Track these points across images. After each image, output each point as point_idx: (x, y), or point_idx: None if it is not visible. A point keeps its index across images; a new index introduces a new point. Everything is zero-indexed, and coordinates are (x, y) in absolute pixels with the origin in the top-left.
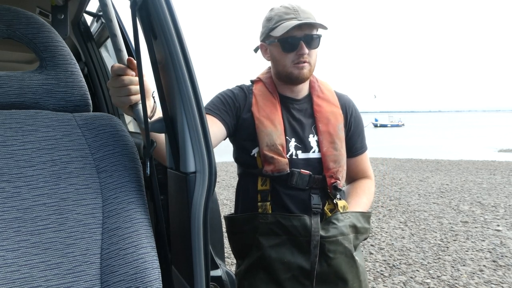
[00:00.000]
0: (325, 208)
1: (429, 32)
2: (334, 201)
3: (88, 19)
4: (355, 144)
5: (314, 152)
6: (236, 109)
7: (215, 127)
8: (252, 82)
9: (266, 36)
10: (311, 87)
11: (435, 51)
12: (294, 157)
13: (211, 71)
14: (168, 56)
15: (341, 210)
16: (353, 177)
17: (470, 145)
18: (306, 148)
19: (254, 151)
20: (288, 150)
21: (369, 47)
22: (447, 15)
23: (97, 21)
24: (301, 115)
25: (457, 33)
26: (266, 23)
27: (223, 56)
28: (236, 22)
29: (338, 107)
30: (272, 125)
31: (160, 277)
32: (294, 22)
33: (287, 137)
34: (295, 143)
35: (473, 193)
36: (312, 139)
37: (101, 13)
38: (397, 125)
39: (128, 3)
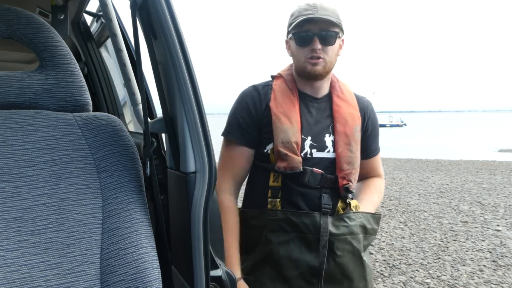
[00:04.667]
0: (338, 206)
1: (430, 31)
2: (347, 201)
3: (88, 19)
4: (370, 146)
5: (329, 152)
6: (255, 120)
7: (245, 157)
8: (273, 77)
9: (288, 31)
10: (331, 86)
11: (436, 50)
12: (308, 155)
13: (211, 71)
14: (168, 56)
15: (354, 210)
16: (365, 175)
17: (470, 145)
18: (321, 147)
19: (268, 148)
20: (303, 149)
21: (369, 47)
22: (447, 15)
23: (97, 21)
24: (319, 114)
25: (458, 33)
26: (289, 19)
27: (224, 56)
28: (237, 22)
29: (357, 109)
30: (288, 122)
31: (160, 277)
32: (307, 17)
33: (303, 136)
34: (311, 142)
35: (473, 193)
36: (328, 139)
37: (101, 13)
38: (397, 125)
39: (128, 3)
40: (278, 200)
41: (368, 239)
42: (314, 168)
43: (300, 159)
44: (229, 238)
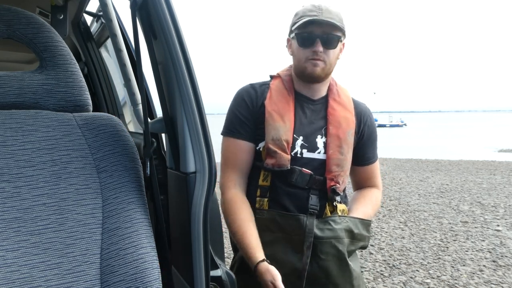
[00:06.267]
0: (326, 209)
1: (430, 31)
2: (334, 204)
3: (88, 19)
4: (366, 153)
5: (319, 153)
6: (253, 115)
7: (247, 151)
8: (271, 77)
9: (290, 30)
10: (329, 89)
11: (436, 50)
12: (298, 155)
13: (211, 71)
14: (168, 56)
15: (340, 213)
16: (361, 184)
17: (470, 145)
18: (312, 148)
19: (260, 145)
20: (293, 148)
21: (369, 47)
22: (447, 15)
23: (97, 21)
24: (313, 116)
25: (458, 33)
26: (293, 18)
27: (223, 56)
28: (237, 22)
29: (352, 114)
30: (281, 120)
31: (160, 277)
32: (312, 18)
33: (294, 135)
34: (302, 142)
35: (473, 193)
36: (320, 140)
37: (101, 13)
38: (397, 125)
39: (128, 3)
40: (266, 199)
41: (356, 245)
42: (303, 168)
43: (288, 157)
44: (244, 227)
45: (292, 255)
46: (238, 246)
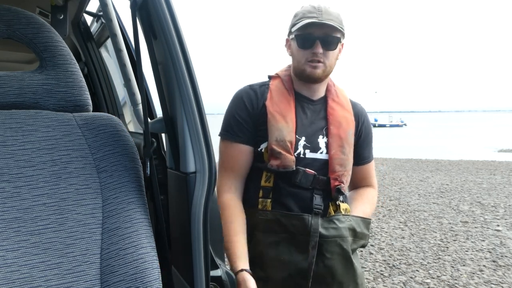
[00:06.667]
0: (330, 209)
1: (430, 31)
2: (337, 203)
3: (88, 19)
4: (363, 153)
5: (321, 153)
6: (252, 117)
7: (246, 154)
8: (270, 77)
9: (290, 31)
10: (327, 90)
11: (436, 50)
12: (301, 155)
13: (211, 71)
14: (168, 56)
15: (343, 213)
16: (357, 184)
17: (470, 145)
18: (314, 148)
19: (262, 146)
20: (296, 148)
21: (369, 47)
22: (447, 15)
23: (97, 21)
24: (314, 116)
25: (458, 33)
26: (292, 18)
27: (223, 56)
28: (236, 22)
29: (351, 114)
30: (284, 121)
31: (160, 277)
32: (312, 20)
33: (297, 136)
34: (304, 142)
35: (473, 193)
36: (321, 140)
37: (101, 13)
38: (397, 125)
39: (128, 3)
40: (269, 200)
41: (357, 243)
42: (306, 169)
43: (293, 158)
44: (234, 236)
45: (297, 255)
46: (224, 250)
